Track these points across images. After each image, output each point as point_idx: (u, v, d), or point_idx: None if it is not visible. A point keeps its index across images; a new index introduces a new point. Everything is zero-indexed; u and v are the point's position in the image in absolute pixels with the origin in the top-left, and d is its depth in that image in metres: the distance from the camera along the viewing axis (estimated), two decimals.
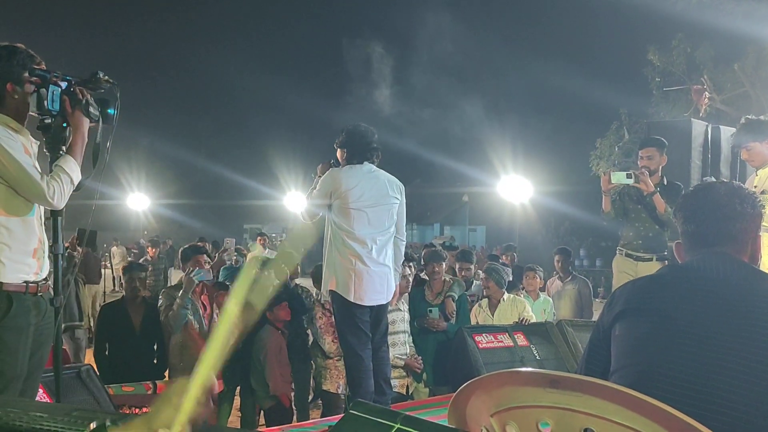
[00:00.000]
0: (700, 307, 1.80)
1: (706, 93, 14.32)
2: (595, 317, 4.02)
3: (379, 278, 4.54)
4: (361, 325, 4.50)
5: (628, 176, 5.47)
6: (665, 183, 5.58)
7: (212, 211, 29.79)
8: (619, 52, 22.57)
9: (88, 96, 3.08)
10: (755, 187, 4.74)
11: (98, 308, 8.04)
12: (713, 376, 1.69)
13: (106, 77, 3.10)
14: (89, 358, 6.26)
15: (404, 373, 5.45)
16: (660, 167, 5.62)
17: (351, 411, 1.32)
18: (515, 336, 5.23)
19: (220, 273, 5.64)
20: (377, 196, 4.58)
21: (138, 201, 28.84)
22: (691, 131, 8.19)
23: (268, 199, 27.84)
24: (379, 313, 4.64)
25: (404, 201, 4.78)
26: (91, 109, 3.06)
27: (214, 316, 5.30)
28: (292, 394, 5.64)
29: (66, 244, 8.00)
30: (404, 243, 4.86)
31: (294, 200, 26.15)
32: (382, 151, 4.74)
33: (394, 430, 1.24)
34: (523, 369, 1.41)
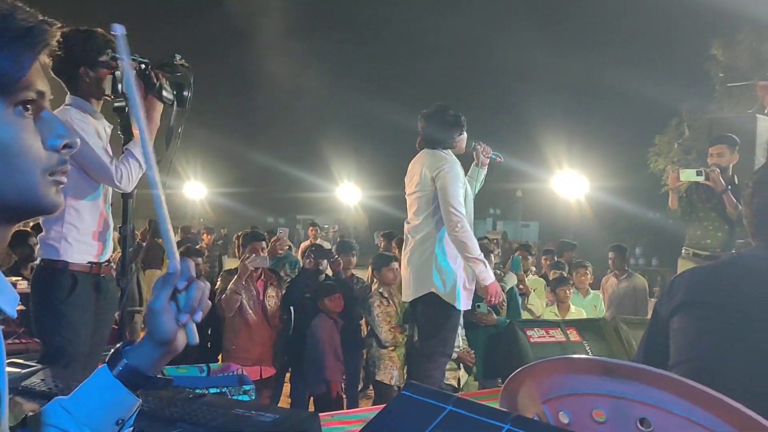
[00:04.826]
0: (761, 300, 1.74)
1: None
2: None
3: None
4: None
5: (698, 173, 5.37)
6: (736, 182, 5.42)
7: (266, 200, 30.21)
8: (681, 46, 22.05)
9: (163, 80, 3.11)
10: None
11: None
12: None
13: (182, 61, 3.12)
14: None
15: (456, 366, 5.44)
16: (731, 165, 5.49)
17: (404, 392, 1.33)
18: (567, 331, 5.18)
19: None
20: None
21: (195, 190, 29.38)
22: (756, 128, 7.95)
23: (321, 191, 28.08)
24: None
25: None
26: (165, 93, 3.09)
27: (266, 302, 5.36)
28: (343, 382, 5.69)
29: (137, 233, 8.13)
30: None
31: (346, 192, 26.31)
32: None
33: (446, 411, 1.25)
34: (578, 356, 1.39)
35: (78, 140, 1.02)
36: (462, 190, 4.20)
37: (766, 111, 11.79)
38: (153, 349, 1.12)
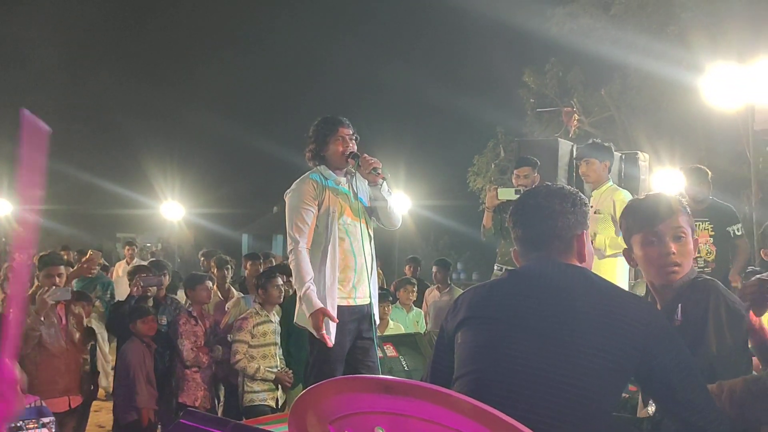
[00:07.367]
0: (534, 313, 1.85)
1: (576, 115, 15.01)
2: None
3: None
4: None
5: (517, 192, 5.62)
6: None
7: (84, 218, 28.39)
8: (498, 72, 23.37)
9: None
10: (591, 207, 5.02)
11: None
12: (540, 381, 1.74)
13: None
14: None
15: (274, 387, 5.36)
16: (534, 185, 5.85)
17: (181, 420, 1.28)
18: (385, 347, 5.27)
19: (74, 283, 5.32)
20: None
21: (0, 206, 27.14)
22: (558, 150, 8.57)
23: (144, 207, 26.86)
24: None
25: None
26: None
27: (69, 327, 5.00)
28: (155, 408, 5.43)
29: None
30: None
31: (170, 210, 25.37)
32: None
33: None
34: (359, 375, 1.40)
35: None
36: (305, 213, 3.94)
37: (570, 135, 12.73)
38: None
